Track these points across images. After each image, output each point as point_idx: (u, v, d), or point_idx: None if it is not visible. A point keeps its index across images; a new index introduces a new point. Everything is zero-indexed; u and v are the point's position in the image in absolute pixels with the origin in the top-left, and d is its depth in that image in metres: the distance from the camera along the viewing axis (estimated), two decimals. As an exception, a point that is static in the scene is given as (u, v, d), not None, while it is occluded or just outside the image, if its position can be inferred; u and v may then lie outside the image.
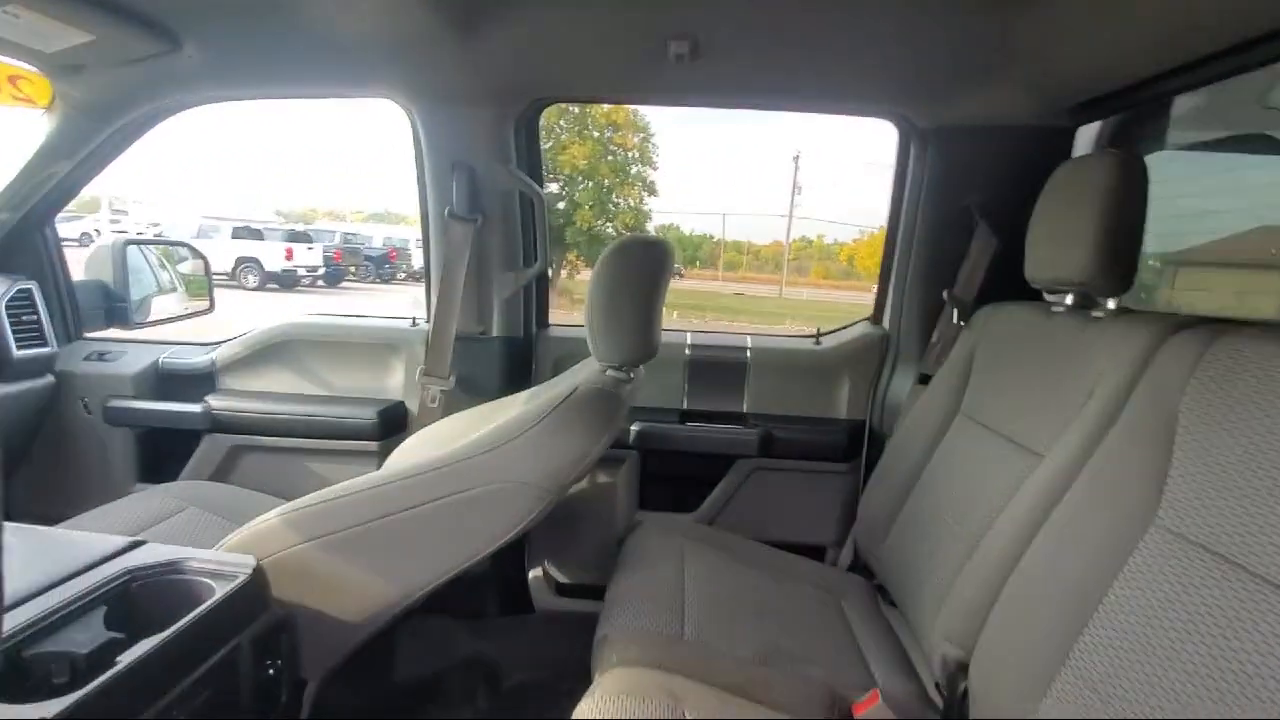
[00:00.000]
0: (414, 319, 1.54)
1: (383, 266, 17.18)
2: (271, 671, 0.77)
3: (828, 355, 1.51)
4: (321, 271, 14.74)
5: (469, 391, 1.41)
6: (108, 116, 1.32)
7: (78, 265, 1.66)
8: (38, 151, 1.33)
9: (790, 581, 1.18)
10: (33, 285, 1.45)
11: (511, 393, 1.32)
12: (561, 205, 14.73)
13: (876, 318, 1.53)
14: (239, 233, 14.03)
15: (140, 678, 0.60)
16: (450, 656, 1.34)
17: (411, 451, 1.21)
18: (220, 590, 0.71)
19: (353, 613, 0.85)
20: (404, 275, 17.75)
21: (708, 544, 1.25)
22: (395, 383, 1.52)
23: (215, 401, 1.49)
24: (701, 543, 1.25)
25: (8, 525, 0.78)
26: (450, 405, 1.38)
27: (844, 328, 1.58)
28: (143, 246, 1.78)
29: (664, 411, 1.50)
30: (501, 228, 1.40)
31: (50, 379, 1.48)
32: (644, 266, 0.97)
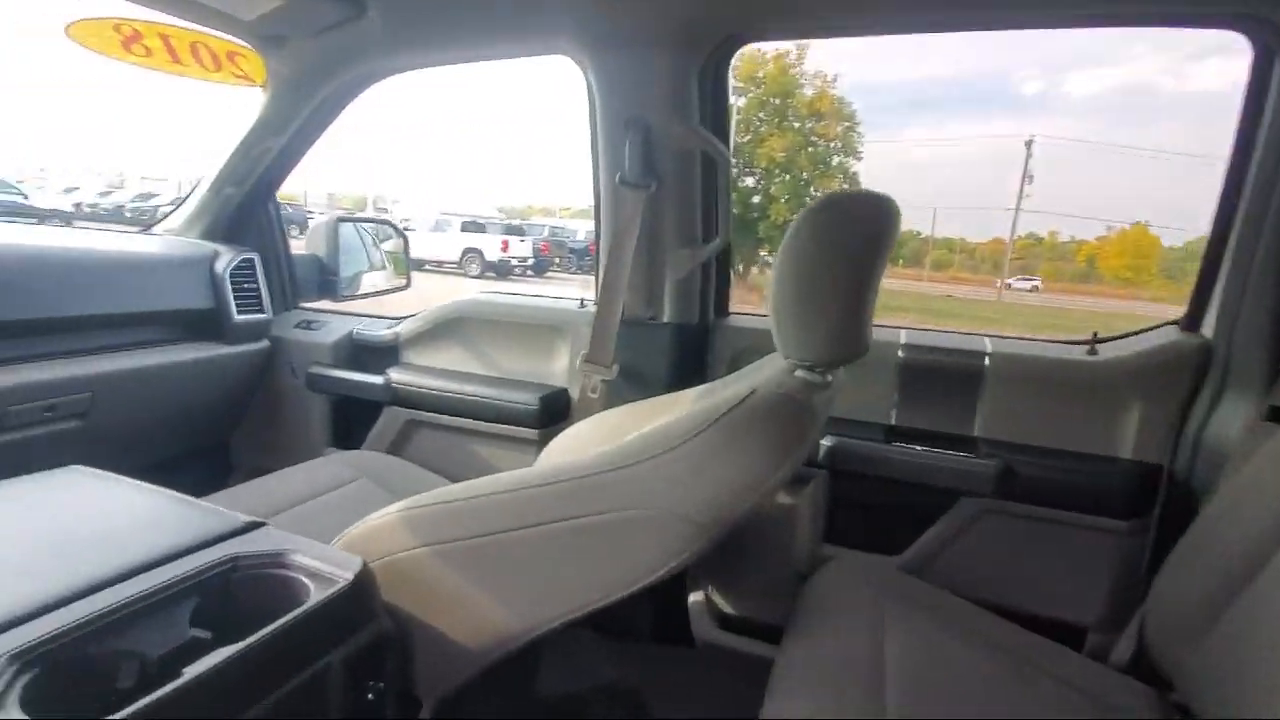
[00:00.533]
0: (582, 300, 1.42)
1: (584, 258, 18.23)
2: (371, 696, 0.66)
3: (1108, 370, 1.10)
4: (531, 262, 16.08)
5: (633, 383, 1.25)
6: (310, 90, 1.36)
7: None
8: (253, 128, 1.42)
9: (1038, 677, 0.84)
10: (254, 256, 1.58)
11: (681, 388, 1.13)
12: (756, 199, 14.39)
13: (1192, 322, 1.08)
14: (467, 227, 15.79)
15: (205, 695, 0.50)
16: (592, 679, 1.20)
17: (561, 451, 1.07)
18: (316, 596, 0.60)
19: (469, 637, 0.72)
20: (603, 267, 18.72)
21: (917, 604, 0.95)
22: (560, 367, 1.41)
23: (395, 375, 1.50)
24: (909, 601, 0.95)
25: (140, 486, 0.77)
26: (612, 397, 1.23)
27: (1136, 333, 1.15)
28: (356, 224, 1.90)
29: (864, 426, 1.21)
30: (678, 195, 1.20)
31: (265, 343, 1.60)
32: (857, 231, 0.70)
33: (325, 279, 1.74)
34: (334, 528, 1.10)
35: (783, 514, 1.14)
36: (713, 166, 1.22)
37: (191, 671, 0.50)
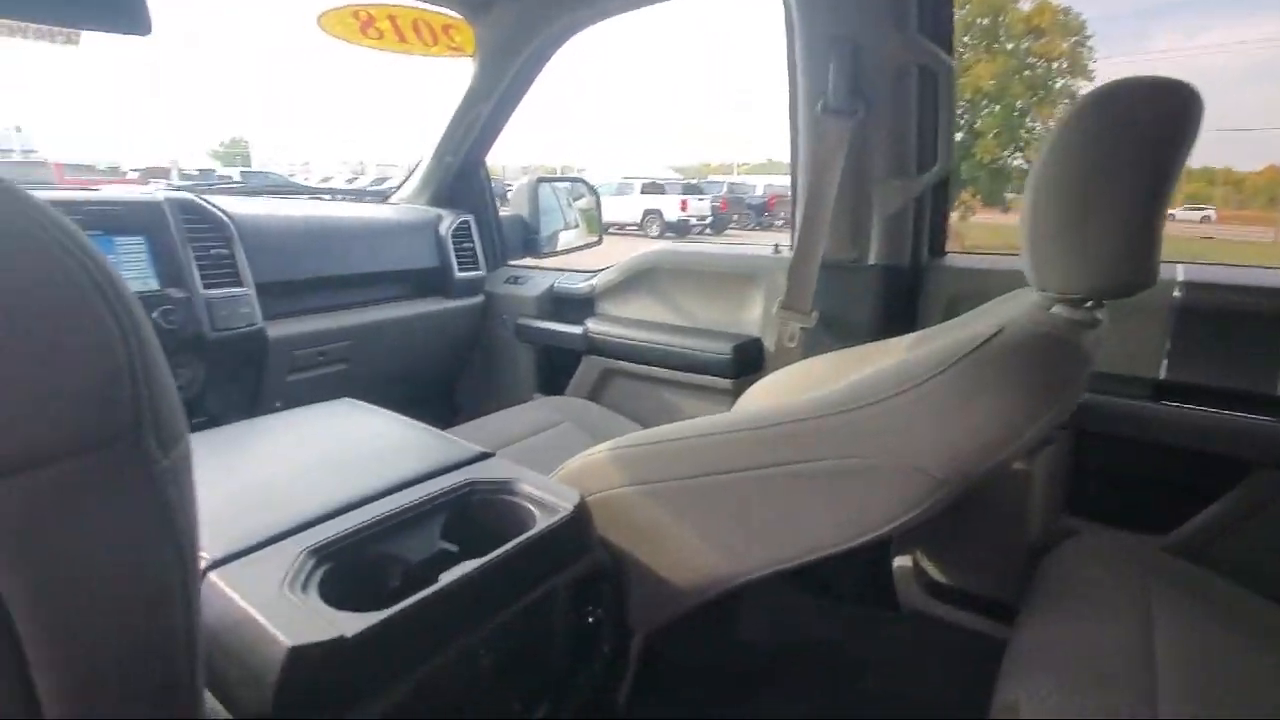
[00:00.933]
0: (776, 246, 1.35)
1: (763, 214, 17.77)
2: (590, 620, 0.70)
3: None
4: (709, 220, 16.02)
5: (835, 331, 1.17)
6: (515, 50, 1.43)
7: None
8: (465, 97, 1.53)
9: None
10: (470, 218, 1.72)
11: (888, 337, 1.03)
12: (959, 136, 12.81)
13: None
14: (647, 189, 16.13)
15: (457, 601, 0.55)
16: (795, 633, 1.17)
17: (758, 399, 1.04)
18: (542, 522, 0.64)
19: (677, 575, 0.73)
20: (782, 222, 18.12)
21: (1195, 594, 0.79)
22: (753, 316, 1.37)
23: (592, 325, 1.56)
24: (1183, 590, 0.79)
25: (395, 417, 0.87)
26: (811, 346, 1.16)
27: None
28: (553, 185, 1.99)
29: (1122, 380, 1.02)
30: (890, 120, 1.08)
31: (481, 298, 1.76)
32: (1149, 126, 0.56)
33: (528, 237, 1.86)
34: (547, 464, 1.18)
35: (1014, 477, 1.00)
36: (932, 83, 1.07)
37: (446, 578, 0.55)
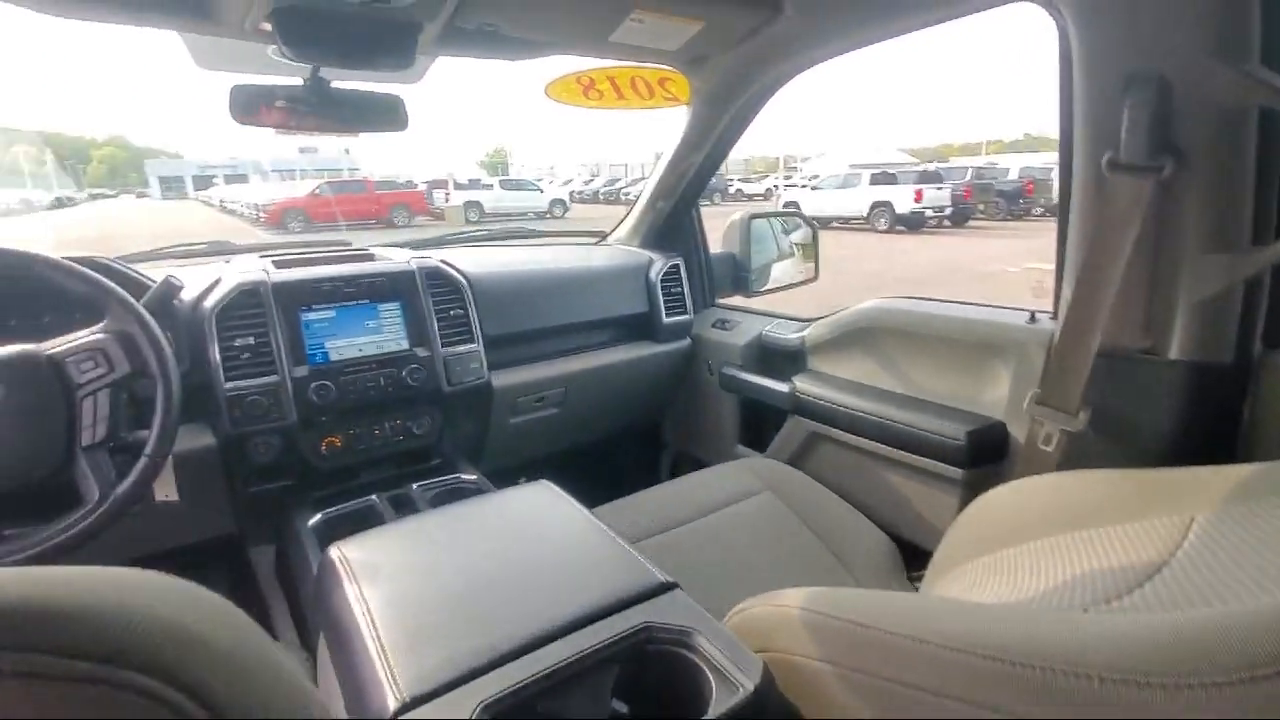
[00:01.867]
0: (1032, 313, 1.11)
1: (1016, 201, 15.53)
2: None
3: None
4: (948, 211, 14.41)
5: (1111, 441, 0.92)
6: (729, 100, 1.37)
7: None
8: (678, 146, 1.51)
9: None
10: (680, 260, 1.71)
11: (1195, 460, 0.78)
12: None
13: None
14: (876, 179, 14.98)
15: None
16: None
17: (999, 523, 0.85)
18: (717, 703, 0.58)
19: None
20: (1040, 210, 15.63)
21: None
22: (996, 396, 1.15)
23: (800, 383, 1.46)
24: None
25: (586, 518, 0.87)
26: (1076, 454, 0.93)
27: None
28: (767, 219, 1.90)
29: None
30: (1212, 178, 0.81)
31: (688, 341, 1.74)
32: None
33: (738, 275, 1.80)
34: (737, 554, 1.12)
35: None
36: (1276, 128, 0.78)
37: None
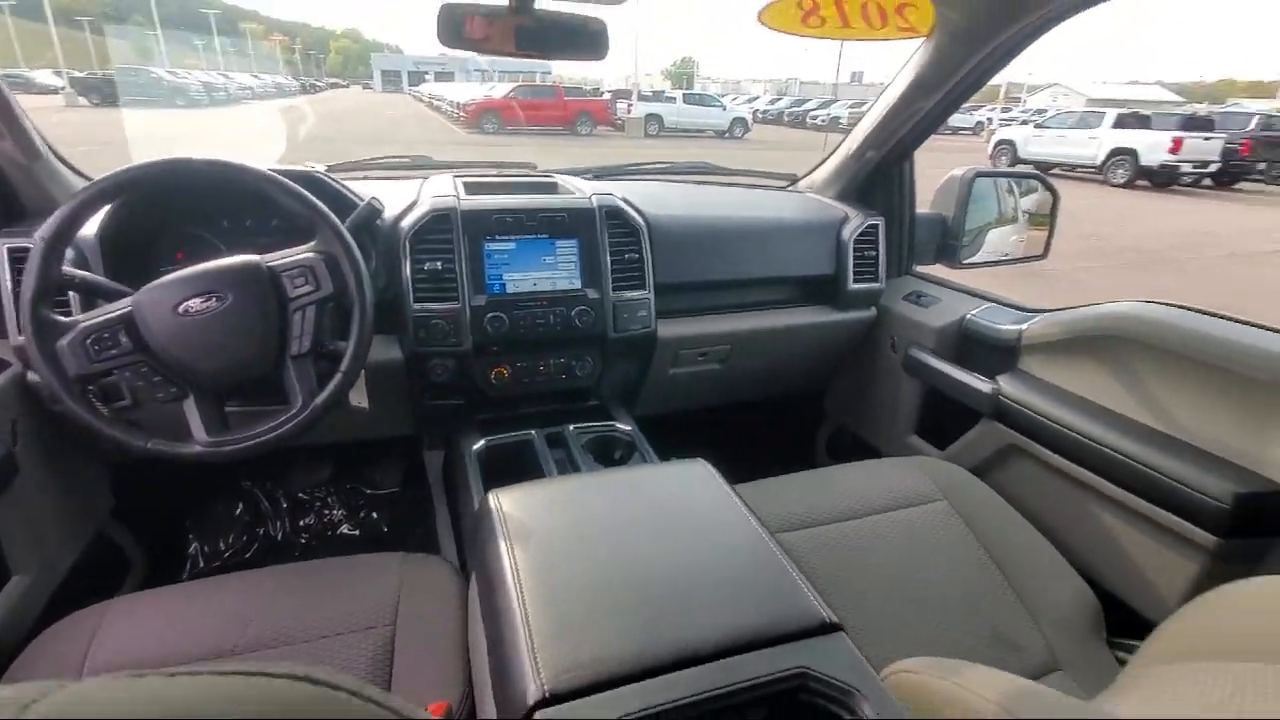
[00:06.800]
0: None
1: (1316, 163, 12.29)
2: None
3: None
4: (1214, 168, 11.76)
5: None
6: (982, 39, 1.12)
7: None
8: (906, 88, 1.28)
9: None
10: (880, 220, 1.51)
11: None
12: None
13: None
14: (1123, 121, 12.47)
15: None
16: None
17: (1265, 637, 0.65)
18: None
19: None
20: (1352, 177, 12.26)
21: None
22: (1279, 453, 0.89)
23: (1007, 385, 1.25)
24: None
25: (745, 513, 0.79)
26: None
27: None
28: (994, 180, 1.61)
29: None
30: None
31: (873, 311, 1.56)
32: None
33: (946, 243, 1.56)
34: (897, 571, 1.00)
35: None
36: None
37: None
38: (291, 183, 0.93)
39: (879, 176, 1.53)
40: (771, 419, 1.93)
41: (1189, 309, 1.06)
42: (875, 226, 1.50)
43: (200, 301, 0.87)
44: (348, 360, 0.94)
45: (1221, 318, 1.02)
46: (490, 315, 1.20)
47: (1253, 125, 12.79)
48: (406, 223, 1.18)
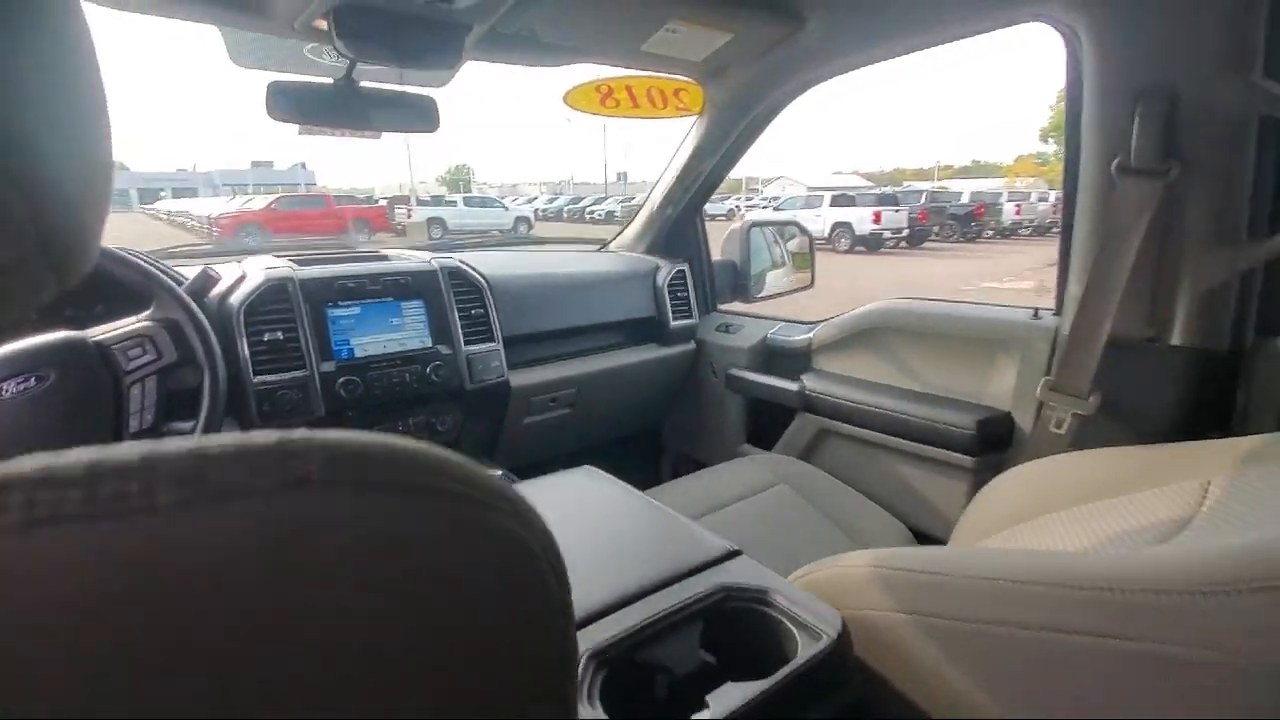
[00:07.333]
0: (1035, 310, 1.19)
1: (968, 224, 16.20)
2: None
3: None
4: (905, 233, 14.96)
5: (1117, 423, 1.00)
6: (744, 110, 1.43)
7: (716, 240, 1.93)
8: (691, 154, 1.56)
9: None
10: (685, 266, 1.76)
11: (1192, 436, 0.86)
12: None
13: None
14: (837, 200, 15.48)
15: None
16: None
17: (1021, 493, 0.91)
18: (804, 649, 0.61)
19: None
20: (990, 233, 16.36)
21: None
22: (1001, 389, 1.22)
23: (809, 382, 1.51)
24: None
25: (638, 496, 0.90)
26: (1085, 436, 1.00)
27: None
28: (764, 228, 1.97)
29: None
30: (1216, 180, 0.90)
31: (692, 345, 1.79)
32: None
33: (738, 282, 1.85)
34: (765, 535, 1.15)
35: None
36: (1274, 134, 0.87)
37: (717, 705, 0.54)
38: (121, 251, 0.88)
39: (678, 230, 1.80)
40: (618, 459, 2.05)
41: (924, 299, 1.41)
42: (683, 271, 1.74)
43: (16, 384, 0.78)
44: (199, 431, 0.88)
45: (945, 302, 1.37)
46: (343, 379, 1.17)
47: (923, 200, 16.62)
48: (236, 298, 1.13)
